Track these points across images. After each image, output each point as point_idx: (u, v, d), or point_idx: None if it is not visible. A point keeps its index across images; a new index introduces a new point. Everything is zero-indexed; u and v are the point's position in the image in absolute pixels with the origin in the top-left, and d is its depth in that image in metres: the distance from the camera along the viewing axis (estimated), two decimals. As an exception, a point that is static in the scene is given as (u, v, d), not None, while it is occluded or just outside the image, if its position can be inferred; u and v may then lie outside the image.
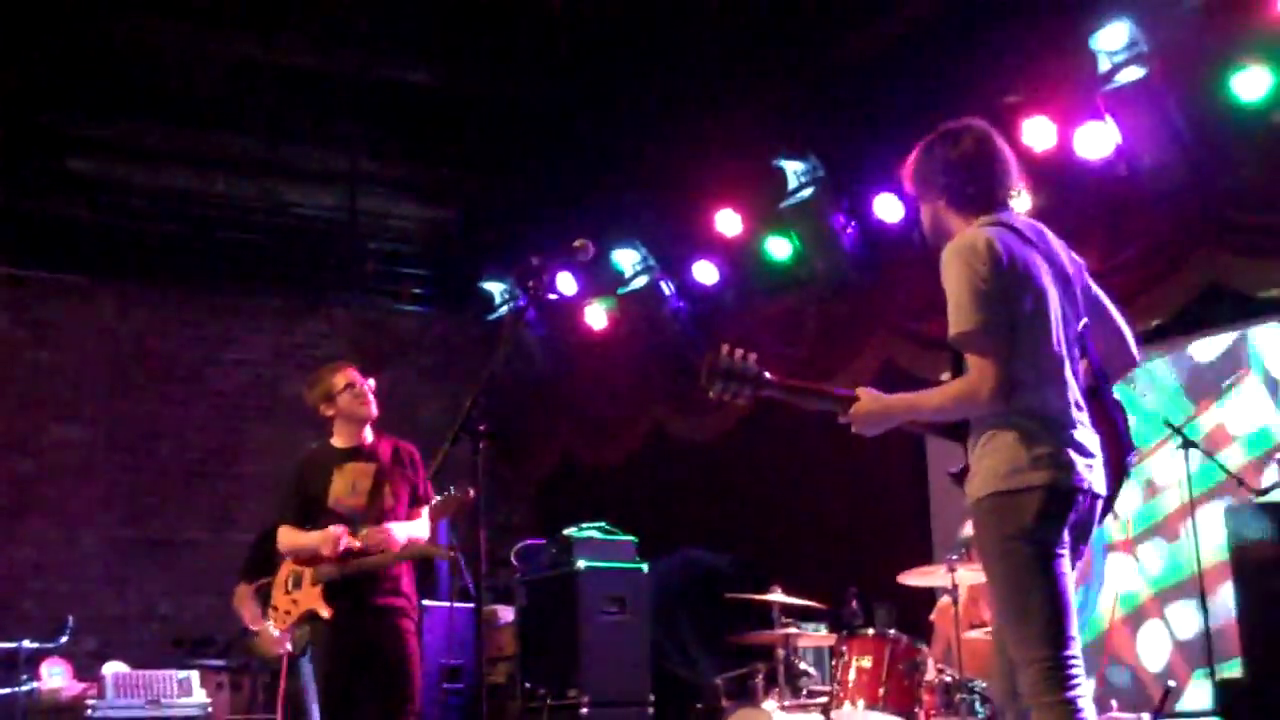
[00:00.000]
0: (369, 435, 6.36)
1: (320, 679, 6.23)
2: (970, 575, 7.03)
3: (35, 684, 8.71)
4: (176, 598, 11.07)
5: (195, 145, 11.16)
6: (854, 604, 7.17)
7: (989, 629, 6.76)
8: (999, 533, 3.81)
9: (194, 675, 8.61)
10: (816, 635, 7.74)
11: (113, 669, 8.61)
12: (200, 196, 11.35)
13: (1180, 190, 7.51)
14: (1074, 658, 3.74)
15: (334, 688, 6.10)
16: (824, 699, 7.09)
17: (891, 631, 7.03)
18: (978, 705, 6.74)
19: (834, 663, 7.15)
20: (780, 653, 7.38)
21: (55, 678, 8.88)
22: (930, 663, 6.89)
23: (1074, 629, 3.76)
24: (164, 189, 11.25)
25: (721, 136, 10.07)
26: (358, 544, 6.02)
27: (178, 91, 10.48)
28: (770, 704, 7.19)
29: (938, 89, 8.42)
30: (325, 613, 6.02)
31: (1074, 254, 4.12)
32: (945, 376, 4.03)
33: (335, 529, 6.05)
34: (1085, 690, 3.75)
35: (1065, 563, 3.78)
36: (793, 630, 7.42)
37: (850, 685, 6.81)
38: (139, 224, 11.21)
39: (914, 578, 7.15)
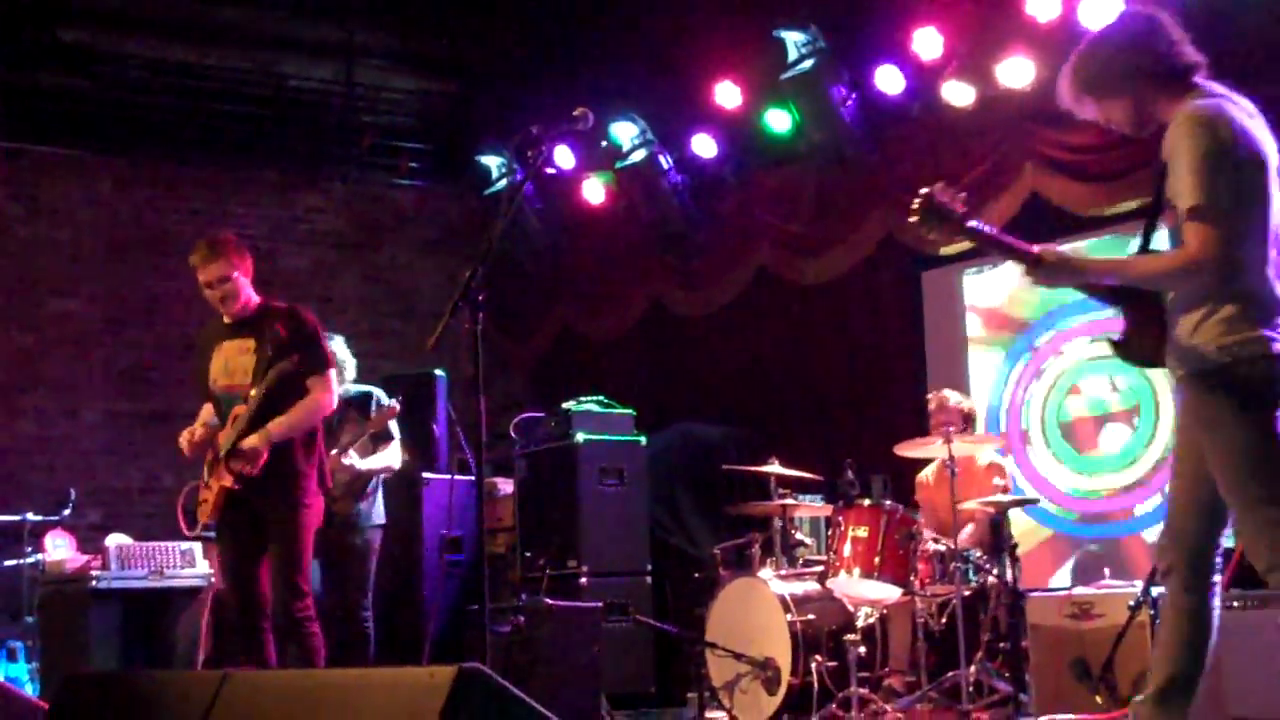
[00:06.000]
0: (253, 304, 6.20)
1: (220, 551, 6.32)
2: (966, 448, 7.08)
3: (40, 556, 8.80)
4: (178, 470, 11.13)
5: (189, 16, 11.02)
6: (850, 475, 7.23)
7: (984, 499, 6.86)
8: (1238, 399, 3.83)
9: (196, 546, 8.67)
10: (813, 506, 7.82)
11: (116, 541, 8.68)
12: (195, 69, 11.22)
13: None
14: None
15: (226, 559, 6.18)
16: (820, 568, 7.19)
17: (887, 502, 7.11)
18: (971, 574, 6.83)
19: (830, 533, 7.23)
20: (777, 523, 7.47)
21: (59, 549, 8.96)
22: (926, 533, 6.97)
23: None
24: (158, 61, 11.11)
25: (721, 6, 9.95)
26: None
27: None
28: (767, 573, 7.30)
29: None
30: (227, 481, 5.92)
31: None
32: (1133, 247, 4.07)
33: (184, 435, 6.13)
34: None
35: None
36: (789, 501, 7.50)
37: (846, 555, 6.89)
38: (133, 96, 11.08)
39: (910, 449, 7.21)
